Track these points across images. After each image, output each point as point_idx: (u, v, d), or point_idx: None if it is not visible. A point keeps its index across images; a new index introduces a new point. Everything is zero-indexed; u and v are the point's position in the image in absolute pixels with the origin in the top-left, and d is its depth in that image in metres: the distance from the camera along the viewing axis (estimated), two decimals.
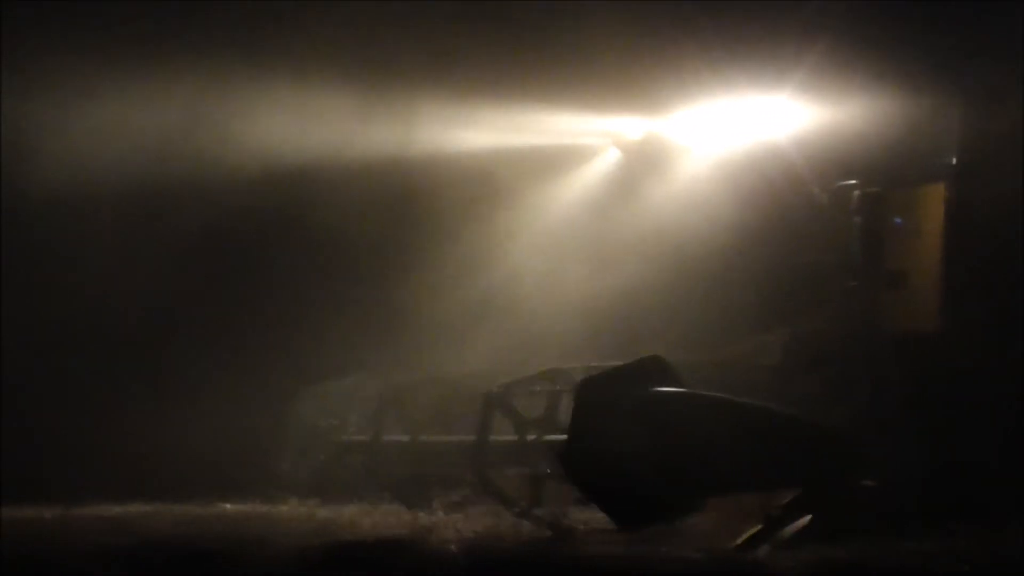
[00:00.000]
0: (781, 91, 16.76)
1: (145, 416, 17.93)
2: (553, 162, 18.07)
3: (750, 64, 16.66)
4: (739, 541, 13.75)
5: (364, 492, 17.11)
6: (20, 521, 15.42)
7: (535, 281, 18.28)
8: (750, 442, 13.64)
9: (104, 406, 17.92)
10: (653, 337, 17.35)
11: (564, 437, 13.96)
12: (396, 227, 18.42)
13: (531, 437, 15.10)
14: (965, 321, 15.51)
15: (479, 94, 17.34)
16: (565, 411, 14.35)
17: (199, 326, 18.24)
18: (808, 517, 13.89)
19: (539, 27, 17.44)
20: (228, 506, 16.87)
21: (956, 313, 15.57)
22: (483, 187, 18.08)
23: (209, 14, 17.40)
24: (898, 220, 16.10)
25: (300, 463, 18.11)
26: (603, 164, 18.27)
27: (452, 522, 15.10)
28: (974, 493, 14.94)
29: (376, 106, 17.59)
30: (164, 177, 17.39)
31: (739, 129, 17.19)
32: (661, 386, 13.74)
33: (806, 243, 16.57)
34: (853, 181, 16.08)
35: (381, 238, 18.42)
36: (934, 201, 15.87)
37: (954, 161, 15.78)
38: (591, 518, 14.44)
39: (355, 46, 17.60)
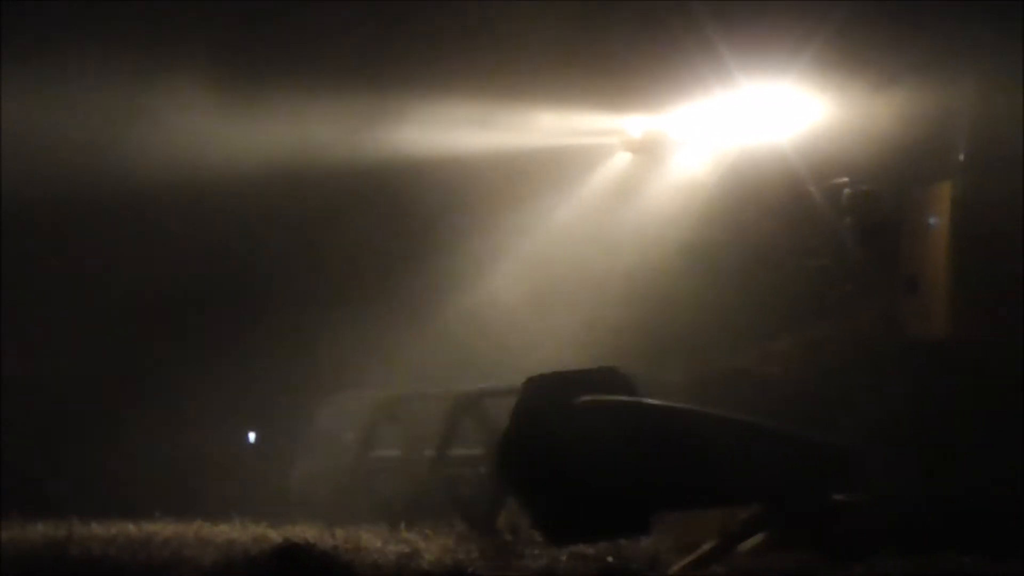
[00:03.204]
0: (783, 88, 15.96)
1: (142, 430, 17.70)
2: (551, 164, 17.48)
3: (753, 59, 15.89)
4: (691, 558, 12.99)
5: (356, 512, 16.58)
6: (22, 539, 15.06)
7: (532, 289, 17.70)
8: (706, 454, 12.84)
9: (98, 422, 17.73)
10: (655, 347, 16.73)
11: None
12: (392, 235, 18.01)
13: None
14: (974, 327, 14.55)
15: (476, 95, 16.86)
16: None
17: (186, 340, 17.97)
18: (763, 534, 13.02)
19: (539, 26, 16.90)
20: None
21: (966, 318, 14.60)
22: (482, 192, 17.58)
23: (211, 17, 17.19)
24: (903, 220, 15.21)
25: (309, 483, 17.79)
26: (602, 165, 17.63)
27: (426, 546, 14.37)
28: (981, 515, 13.97)
29: (371, 111, 17.21)
30: (157, 184, 17.15)
31: (744, 128, 16.39)
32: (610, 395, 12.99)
33: (813, 246, 15.74)
34: (852, 180, 15.23)
35: (378, 247, 18.01)
36: (940, 200, 14.94)
37: (962, 157, 14.79)
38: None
39: (351, 48, 17.28)
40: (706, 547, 13.11)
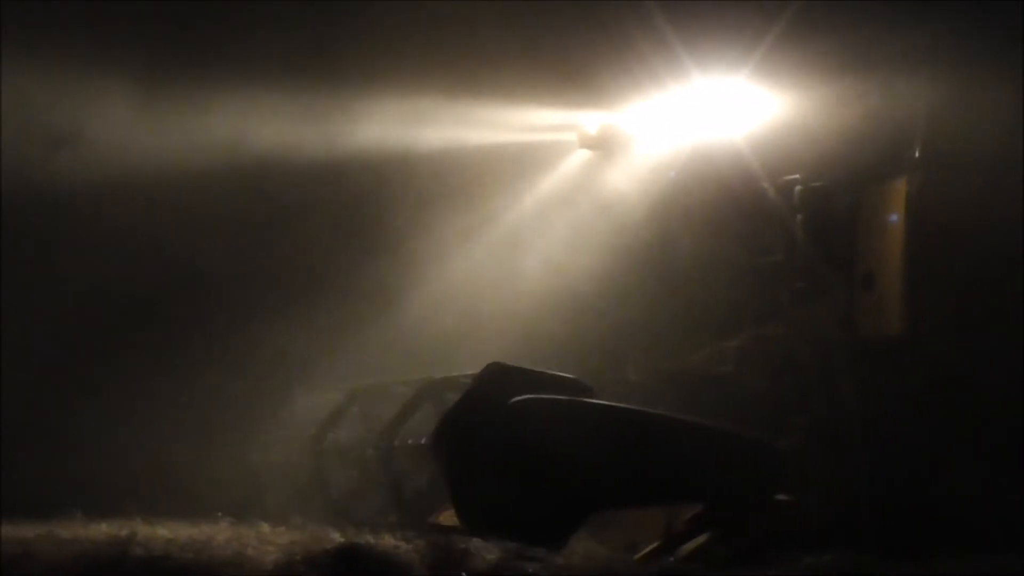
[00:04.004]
0: (737, 83, 15.79)
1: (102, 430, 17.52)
2: (506, 160, 17.32)
3: (707, 55, 15.74)
4: (634, 558, 12.86)
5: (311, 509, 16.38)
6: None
7: (490, 285, 17.55)
8: (646, 453, 12.72)
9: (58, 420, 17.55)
10: (606, 345, 16.64)
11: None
12: (348, 233, 17.83)
13: None
14: (930, 325, 14.42)
15: (428, 92, 16.73)
16: None
17: (149, 338, 17.76)
18: (707, 534, 12.89)
19: (493, 22, 16.76)
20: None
21: (921, 316, 14.47)
22: (438, 187, 17.43)
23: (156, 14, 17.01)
24: (858, 217, 15.05)
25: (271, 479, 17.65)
26: (558, 162, 17.48)
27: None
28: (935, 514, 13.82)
29: (323, 107, 17.05)
30: (102, 185, 16.94)
31: (698, 124, 16.23)
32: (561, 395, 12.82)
33: (766, 243, 15.59)
34: (804, 176, 15.06)
35: (333, 245, 17.83)
36: (895, 197, 14.79)
37: (917, 154, 14.62)
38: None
39: (304, 43, 17.12)
40: (650, 547, 12.99)
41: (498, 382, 12.71)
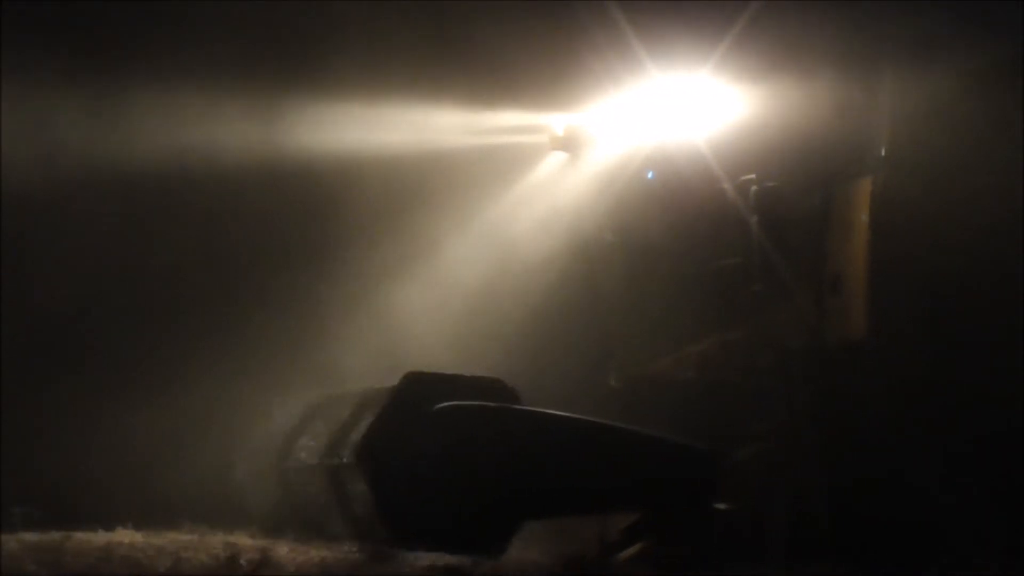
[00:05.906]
0: (700, 83, 15.53)
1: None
2: (471, 165, 17.12)
3: (669, 54, 15.52)
4: (568, 568, 12.63)
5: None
6: None
7: (457, 291, 17.38)
8: (577, 460, 12.54)
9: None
10: (574, 350, 16.46)
11: None
12: (311, 236, 17.68)
13: None
14: (894, 327, 14.13)
15: (391, 95, 16.59)
16: None
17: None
18: (641, 543, 12.68)
19: (454, 24, 16.64)
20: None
21: (885, 318, 14.18)
22: (397, 192, 17.29)
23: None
24: (824, 218, 14.77)
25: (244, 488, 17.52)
26: (525, 166, 17.28)
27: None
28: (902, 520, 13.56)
29: (290, 112, 16.94)
30: (34, 186, 16.79)
31: (661, 124, 15.98)
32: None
33: (727, 244, 15.33)
34: (759, 177, 14.82)
35: (295, 248, 17.68)
36: (861, 198, 14.50)
37: (883, 153, 14.33)
38: None
39: (265, 45, 17.02)
40: (584, 557, 12.77)
41: (417, 391, 12.53)
